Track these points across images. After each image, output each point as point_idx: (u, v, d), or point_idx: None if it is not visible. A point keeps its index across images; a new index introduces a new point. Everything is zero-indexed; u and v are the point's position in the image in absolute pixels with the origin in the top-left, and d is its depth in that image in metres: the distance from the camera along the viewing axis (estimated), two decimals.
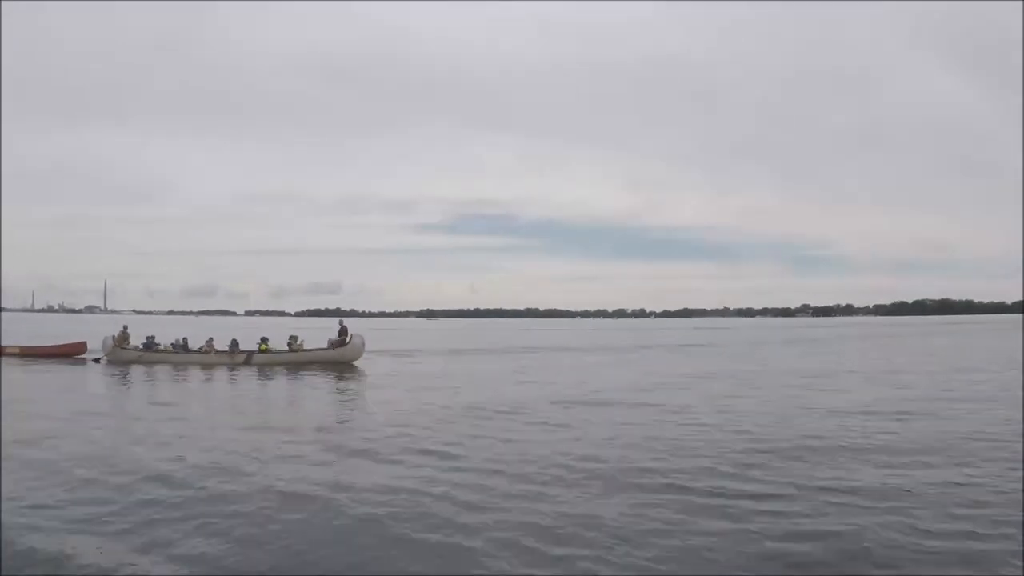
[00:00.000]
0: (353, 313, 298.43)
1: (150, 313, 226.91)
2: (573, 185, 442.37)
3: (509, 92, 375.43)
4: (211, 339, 24.50)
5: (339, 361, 23.69)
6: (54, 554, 5.12)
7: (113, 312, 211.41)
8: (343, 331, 24.71)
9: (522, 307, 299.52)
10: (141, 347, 24.48)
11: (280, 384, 18.69)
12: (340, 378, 20.13)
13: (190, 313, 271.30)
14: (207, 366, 22.68)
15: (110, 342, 24.40)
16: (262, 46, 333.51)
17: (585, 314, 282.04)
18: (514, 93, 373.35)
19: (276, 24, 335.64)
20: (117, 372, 21.29)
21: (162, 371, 21.41)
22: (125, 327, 26.37)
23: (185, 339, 24.99)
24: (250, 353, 23.77)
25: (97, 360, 24.25)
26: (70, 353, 26.39)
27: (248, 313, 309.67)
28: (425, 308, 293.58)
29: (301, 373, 21.02)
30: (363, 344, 24.58)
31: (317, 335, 27.36)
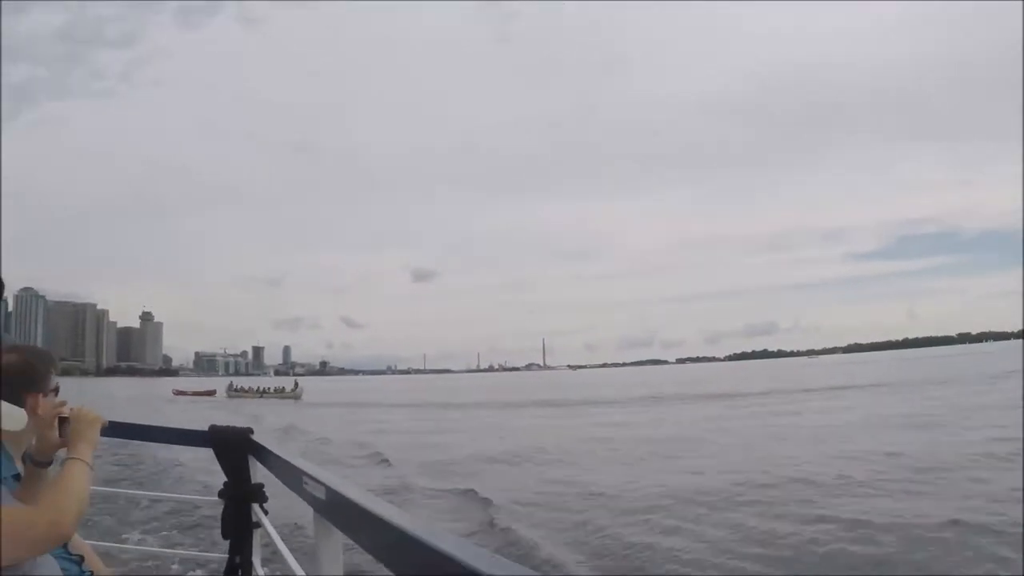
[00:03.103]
0: (780, 354, 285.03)
1: (583, 367, 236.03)
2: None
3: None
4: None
5: None
6: None
7: (550, 368, 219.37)
8: None
9: (954, 332, 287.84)
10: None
11: None
12: None
13: (622, 365, 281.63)
14: None
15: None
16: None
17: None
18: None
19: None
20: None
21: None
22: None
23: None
24: None
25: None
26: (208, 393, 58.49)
27: (679, 361, 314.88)
28: (852, 343, 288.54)
29: None
30: None
31: None
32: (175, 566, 5.07)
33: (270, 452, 2.32)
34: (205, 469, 8.89)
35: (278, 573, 2.69)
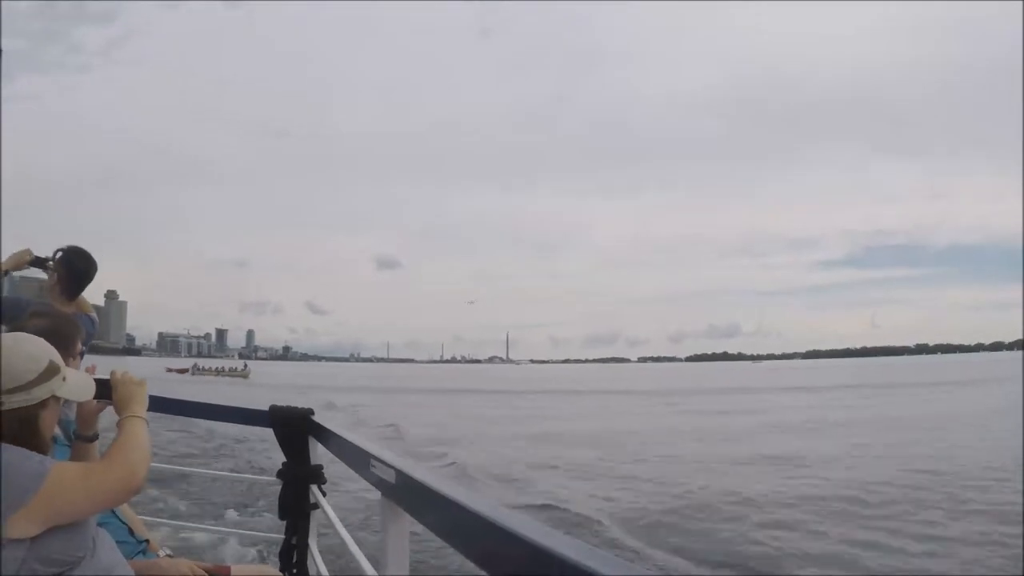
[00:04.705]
0: (740, 356, 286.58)
1: (545, 362, 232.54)
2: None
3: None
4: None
5: None
6: None
7: (512, 362, 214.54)
8: None
9: (912, 344, 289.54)
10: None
11: None
12: None
13: (584, 361, 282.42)
14: None
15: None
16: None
17: (979, 347, 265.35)
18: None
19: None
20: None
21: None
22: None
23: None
24: None
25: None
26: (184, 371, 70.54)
27: (641, 360, 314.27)
28: (811, 349, 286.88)
29: None
30: None
31: None
32: (230, 544, 5.02)
33: (333, 433, 2.30)
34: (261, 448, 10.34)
35: (334, 555, 2.68)
